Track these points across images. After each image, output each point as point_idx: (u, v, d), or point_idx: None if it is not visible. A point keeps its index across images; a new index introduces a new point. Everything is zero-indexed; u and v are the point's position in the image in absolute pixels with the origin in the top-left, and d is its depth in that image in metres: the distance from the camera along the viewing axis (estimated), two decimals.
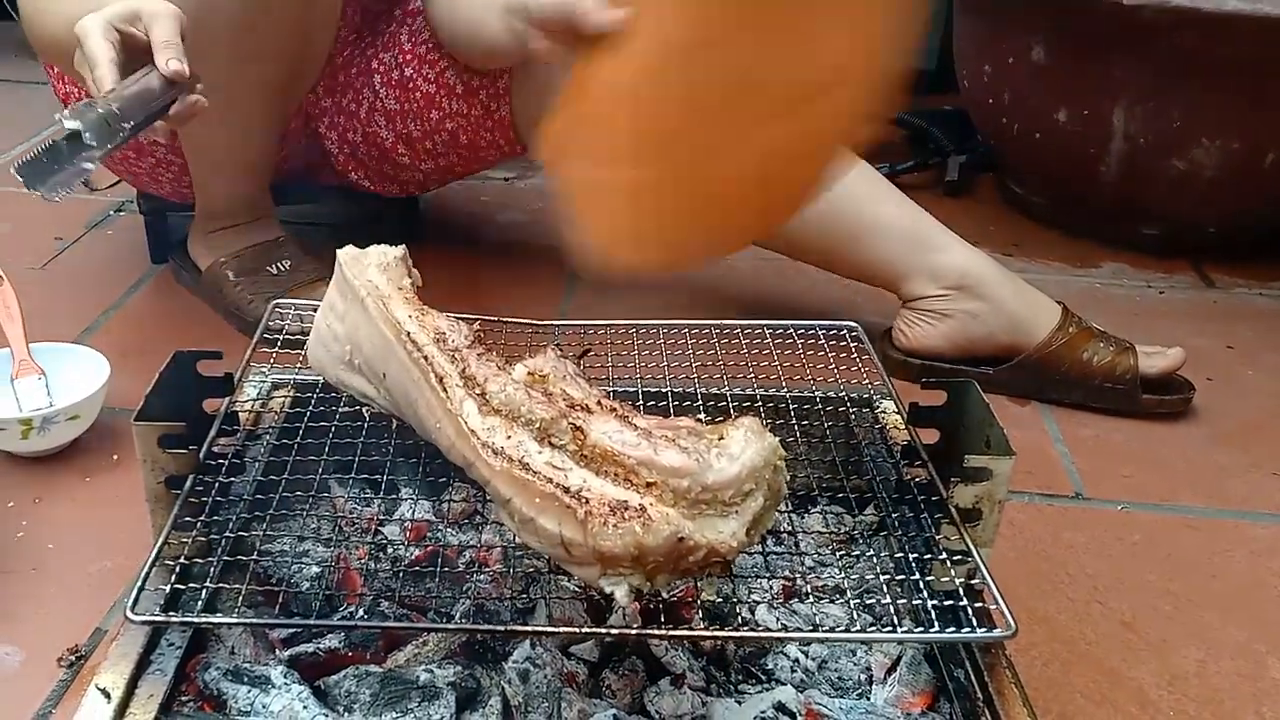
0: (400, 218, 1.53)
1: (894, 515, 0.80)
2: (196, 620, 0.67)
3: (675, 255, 0.88)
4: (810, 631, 0.76)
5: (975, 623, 0.65)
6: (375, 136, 1.35)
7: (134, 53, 0.87)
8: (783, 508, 0.76)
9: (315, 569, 0.80)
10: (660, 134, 0.82)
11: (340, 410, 0.83)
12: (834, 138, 0.84)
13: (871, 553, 0.85)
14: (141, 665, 0.66)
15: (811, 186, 0.86)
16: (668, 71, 0.83)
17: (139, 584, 0.62)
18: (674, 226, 0.85)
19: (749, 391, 0.90)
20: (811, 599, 0.80)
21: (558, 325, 0.97)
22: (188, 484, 0.70)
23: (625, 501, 0.59)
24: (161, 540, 0.66)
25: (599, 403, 0.66)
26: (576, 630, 0.73)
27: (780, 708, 0.69)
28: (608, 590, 0.59)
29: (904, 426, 0.83)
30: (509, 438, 0.63)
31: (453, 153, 1.35)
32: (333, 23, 1.22)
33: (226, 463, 0.75)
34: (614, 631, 0.74)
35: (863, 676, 0.74)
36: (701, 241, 0.86)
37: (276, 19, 1.13)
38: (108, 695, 0.63)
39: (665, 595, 0.77)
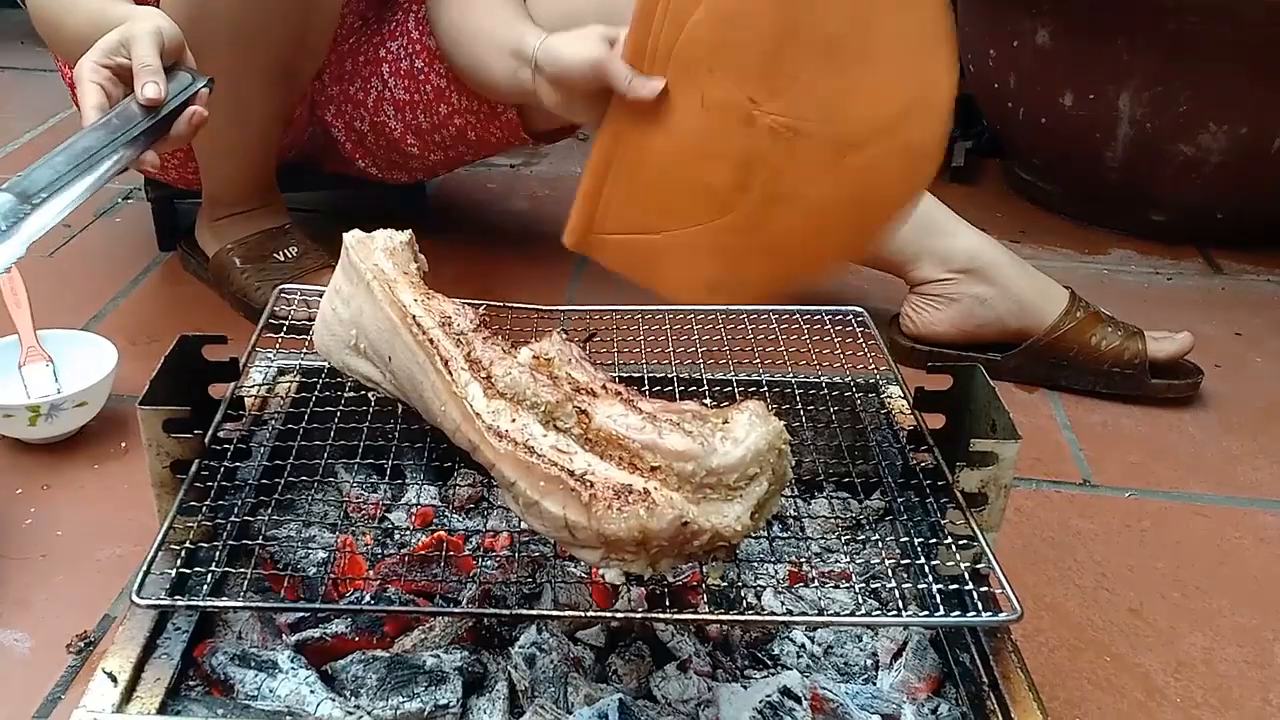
0: (407, 204, 1.53)
1: (900, 500, 0.80)
2: (202, 604, 0.67)
3: (750, 296, 0.92)
4: (816, 616, 0.76)
5: (981, 607, 0.65)
6: (384, 126, 1.34)
7: (129, 81, 0.86)
8: (788, 493, 0.76)
9: (322, 554, 0.80)
10: (711, 193, 0.83)
11: (346, 395, 0.83)
12: (898, 175, 0.87)
13: (877, 537, 0.85)
14: (148, 649, 0.67)
15: (862, 234, 0.88)
16: (712, 134, 0.85)
17: (144, 568, 0.62)
18: (747, 269, 0.88)
19: (755, 376, 0.89)
20: (817, 584, 0.80)
21: (564, 310, 0.96)
22: (193, 469, 0.70)
23: (629, 485, 0.59)
24: (167, 525, 0.66)
25: (604, 386, 0.66)
26: (582, 614, 0.73)
27: (786, 692, 0.68)
28: (605, 573, 0.59)
29: (910, 411, 0.82)
30: (514, 421, 0.63)
31: (461, 144, 1.34)
32: (336, 9, 1.21)
33: (232, 448, 0.75)
34: (620, 616, 0.74)
35: (869, 661, 0.74)
36: (776, 280, 0.90)
37: (278, 7, 1.13)
38: (114, 679, 0.64)
39: (671, 580, 0.77)
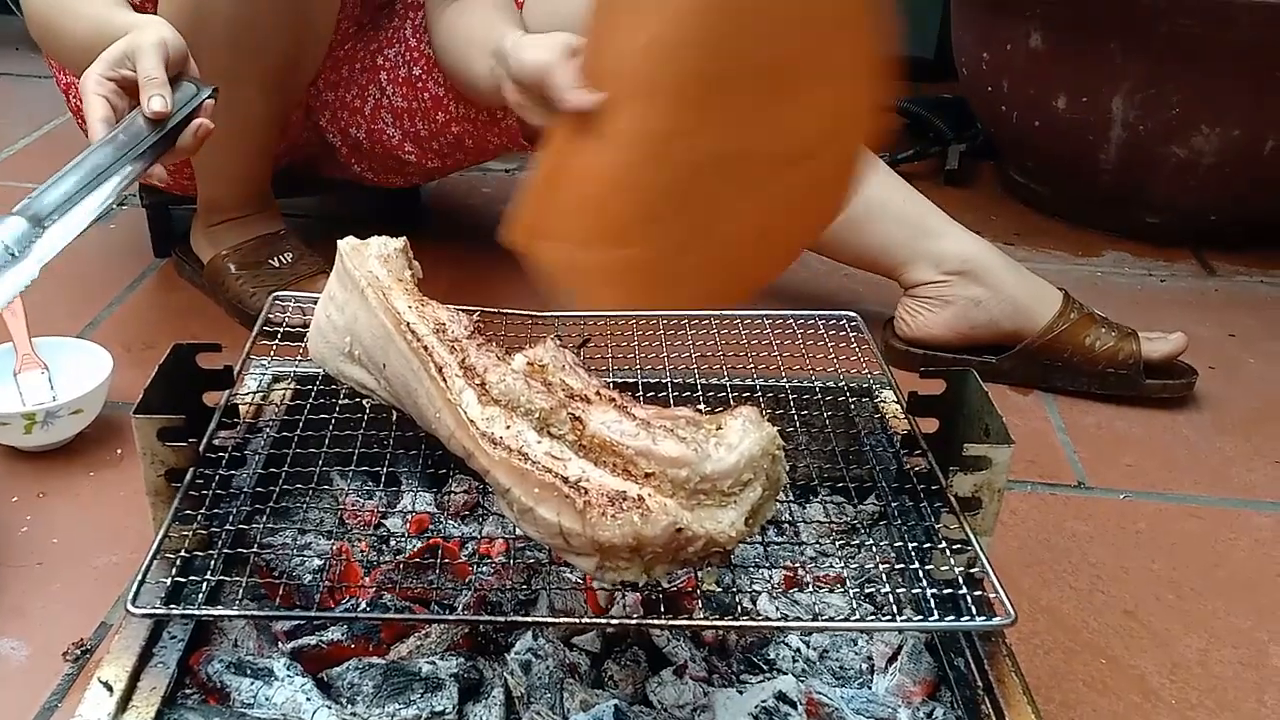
0: (402, 209, 1.54)
1: (894, 504, 0.81)
2: (198, 613, 0.67)
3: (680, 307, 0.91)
4: (810, 621, 0.76)
5: (975, 611, 0.65)
6: (381, 133, 1.34)
7: (135, 93, 0.86)
8: (783, 498, 0.76)
9: (317, 561, 0.81)
10: (646, 216, 0.83)
11: (340, 402, 0.83)
12: (824, 191, 0.88)
13: (872, 542, 0.85)
14: (144, 658, 0.67)
15: (799, 241, 0.89)
16: (649, 159, 0.86)
17: (139, 577, 0.62)
18: (666, 296, 0.87)
19: (749, 381, 0.90)
20: (812, 588, 0.80)
21: (558, 316, 0.97)
22: (188, 477, 0.70)
23: (624, 492, 0.59)
24: (161, 534, 0.66)
25: (598, 393, 0.66)
26: (578, 620, 0.73)
27: (781, 697, 0.69)
28: (597, 582, 0.60)
29: (903, 415, 0.83)
30: (508, 428, 0.63)
31: (459, 151, 1.35)
32: (332, 15, 1.22)
33: (227, 456, 0.75)
34: (615, 621, 0.74)
35: (864, 666, 0.74)
36: (702, 299, 0.90)
37: (273, 13, 1.13)
38: (110, 688, 0.64)
39: (666, 585, 0.77)
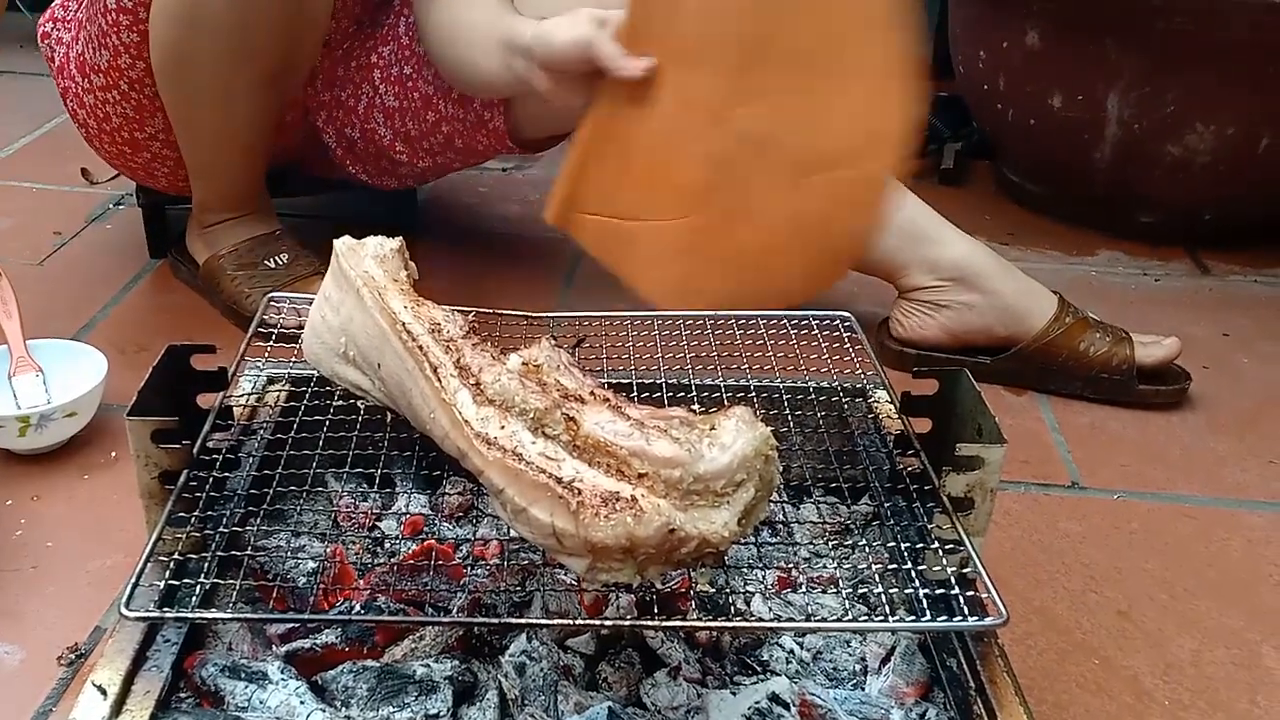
0: (398, 209, 1.54)
1: (887, 505, 0.81)
2: (192, 616, 0.67)
3: (723, 305, 0.91)
4: (803, 622, 0.76)
5: (967, 611, 0.65)
6: (373, 133, 1.34)
7: None
8: (777, 498, 0.76)
9: (311, 564, 0.81)
10: (696, 188, 0.83)
11: (335, 404, 0.83)
12: (858, 203, 0.89)
13: (865, 542, 0.85)
14: (138, 662, 0.67)
15: (845, 249, 0.88)
16: (707, 124, 0.85)
17: (133, 581, 0.62)
18: (715, 277, 0.87)
19: (743, 382, 0.90)
20: (805, 589, 0.80)
21: (553, 316, 0.97)
22: (181, 479, 0.70)
23: (617, 493, 0.59)
24: (155, 537, 0.67)
25: (592, 393, 0.66)
26: (571, 622, 0.74)
27: (775, 699, 0.69)
28: (588, 583, 0.60)
29: (897, 416, 0.83)
30: (503, 428, 0.63)
31: (449, 151, 1.34)
32: (327, 14, 1.21)
33: (221, 458, 0.75)
34: (609, 623, 0.74)
35: (857, 667, 0.74)
36: (744, 294, 0.89)
37: (269, 14, 1.13)
38: (104, 692, 0.64)
39: (660, 586, 0.77)
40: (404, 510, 0.87)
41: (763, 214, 0.87)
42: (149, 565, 0.64)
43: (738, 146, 0.85)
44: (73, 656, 0.83)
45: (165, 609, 0.67)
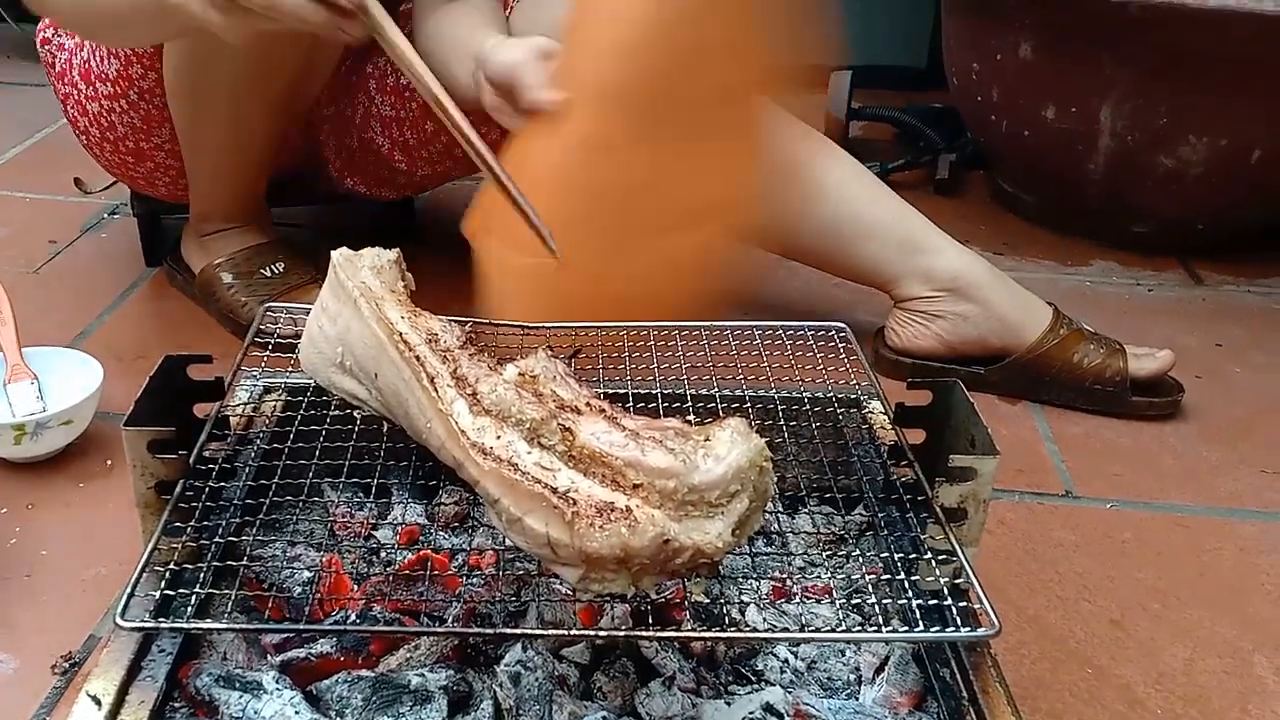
0: (395, 220, 1.54)
1: (881, 515, 0.81)
2: (187, 626, 0.67)
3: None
4: (797, 632, 0.77)
5: (960, 622, 0.65)
6: (371, 142, 1.35)
7: None
8: (771, 508, 0.76)
9: (307, 574, 0.81)
10: (567, 224, 0.85)
11: (331, 414, 0.83)
12: (711, 258, 0.94)
13: (859, 553, 0.85)
14: (133, 672, 0.67)
15: (696, 296, 0.95)
16: (578, 166, 0.89)
17: (129, 590, 0.62)
18: (575, 311, 0.90)
19: (738, 392, 0.90)
20: (800, 599, 0.81)
21: (549, 326, 0.97)
22: (177, 489, 0.71)
23: (612, 503, 0.59)
24: (151, 546, 0.67)
25: (588, 403, 0.66)
26: (566, 632, 0.74)
27: (769, 708, 0.69)
28: (580, 594, 0.60)
29: (891, 427, 0.83)
30: (499, 438, 0.63)
31: (448, 160, 1.35)
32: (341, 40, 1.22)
33: (217, 467, 0.75)
34: (604, 633, 0.74)
35: (851, 677, 0.75)
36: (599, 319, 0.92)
37: (287, 36, 1.13)
38: (99, 702, 0.64)
39: (655, 596, 0.77)
40: (400, 520, 0.87)
41: (630, 255, 0.92)
42: (144, 575, 0.64)
43: (615, 189, 0.90)
44: (67, 665, 0.83)
45: (160, 619, 0.67)
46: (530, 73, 0.91)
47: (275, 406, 0.90)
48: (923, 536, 0.72)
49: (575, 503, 0.59)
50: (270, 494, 0.76)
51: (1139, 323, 1.44)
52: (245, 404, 0.90)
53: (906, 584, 0.69)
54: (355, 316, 0.72)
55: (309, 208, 1.54)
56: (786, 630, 0.78)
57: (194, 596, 0.67)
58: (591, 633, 0.74)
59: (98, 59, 1.21)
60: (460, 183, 1.64)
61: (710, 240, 0.93)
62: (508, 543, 0.65)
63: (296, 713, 0.67)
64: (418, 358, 0.68)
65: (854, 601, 0.80)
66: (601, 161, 0.90)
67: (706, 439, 0.62)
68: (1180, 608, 0.95)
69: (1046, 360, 1.23)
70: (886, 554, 0.76)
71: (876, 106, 2.01)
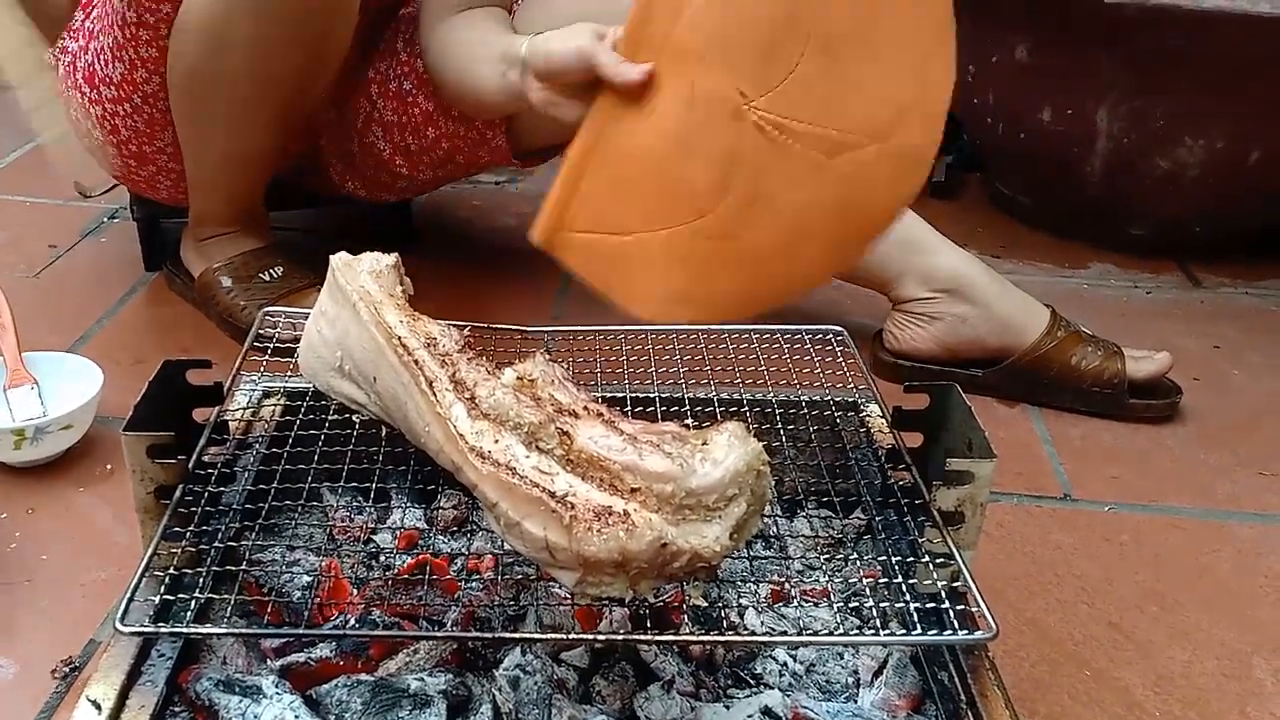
0: (393, 224, 1.54)
1: (879, 518, 0.81)
2: (186, 631, 0.67)
3: (720, 313, 0.88)
4: (796, 635, 0.77)
5: (957, 625, 0.65)
6: (372, 147, 1.35)
7: None
8: (770, 511, 0.76)
9: (306, 578, 0.81)
10: (705, 190, 0.81)
11: (330, 418, 0.83)
12: (888, 180, 0.84)
13: (857, 556, 0.85)
14: (132, 676, 0.67)
15: (869, 231, 0.86)
16: (710, 121, 0.83)
17: (128, 595, 0.62)
18: (718, 280, 0.85)
19: (736, 395, 0.90)
20: (798, 602, 0.81)
21: (548, 330, 0.97)
22: (177, 494, 0.71)
23: (610, 507, 0.59)
24: (151, 551, 0.67)
25: (586, 408, 0.66)
26: (565, 636, 0.74)
27: (768, 712, 0.69)
28: (579, 597, 0.60)
29: (889, 430, 0.83)
30: (497, 442, 0.63)
31: (449, 164, 1.35)
32: (346, 42, 1.22)
33: (216, 472, 0.75)
34: (603, 637, 0.74)
35: (850, 679, 0.75)
36: (746, 297, 0.86)
37: (292, 42, 1.13)
38: (99, 707, 0.64)
39: (653, 600, 0.77)
40: (399, 524, 0.87)
41: (776, 208, 0.83)
42: (144, 579, 0.64)
43: (752, 141, 0.82)
44: (67, 670, 0.83)
45: (160, 624, 0.67)
46: (605, 53, 0.87)
47: (274, 411, 0.90)
48: (921, 539, 0.73)
49: (573, 506, 0.60)
50: (269, 498, 0.76)
51: (1137, 325, 1.44)
52: (244, 408, 0.90)
53: (904, 587, 0.69)
54: (354, 321, 0.72)
55: (307, 212, 1.54)
56: (785, 633, 0.78)
57: (194, 601, 0.67)
58: (590, 637, 0.74)
59: (101, 63, 1.21)
60: (458, 187, 1.65)
61: (879, 161, 0.82)
62: (507, 547, 0.65)
63: (296, 717, 0.67)
64: (416, 362, 0.68)
65: (852, 604, 0.81)
66: (732, 119, 0.83)
67: (704, 443, 0.62)
68: (1179, 610, 0.95)
69: (1044, 362, 1.23)
70: (884, 557, 0.76)
71: None
